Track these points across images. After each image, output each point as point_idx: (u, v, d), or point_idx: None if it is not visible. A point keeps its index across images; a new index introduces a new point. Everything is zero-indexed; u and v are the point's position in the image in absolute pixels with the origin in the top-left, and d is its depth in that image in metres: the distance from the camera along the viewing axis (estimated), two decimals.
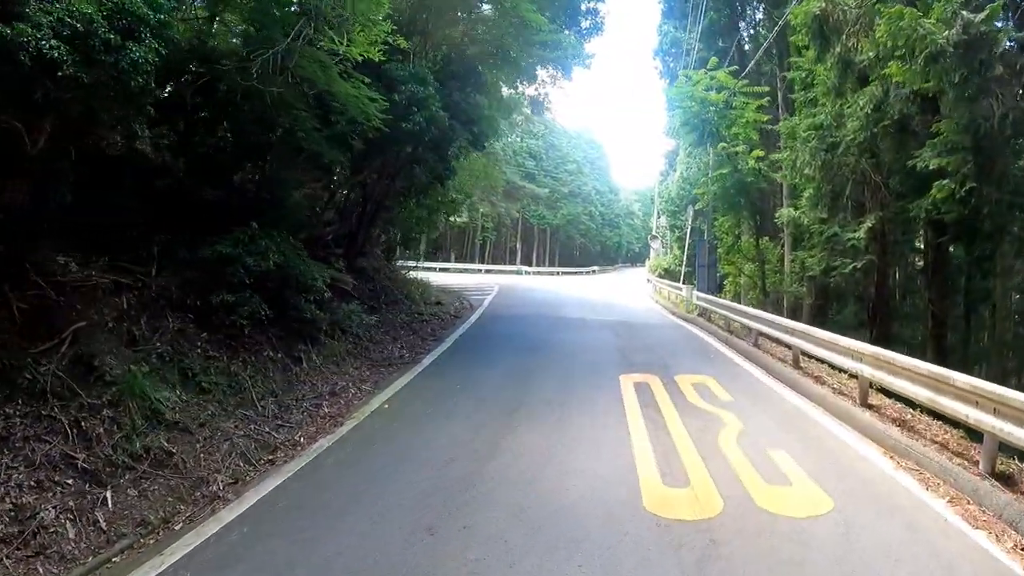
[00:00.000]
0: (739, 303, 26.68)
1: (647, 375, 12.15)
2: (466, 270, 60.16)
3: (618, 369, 12.76)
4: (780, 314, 22.69)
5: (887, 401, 10.17)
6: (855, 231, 14.28)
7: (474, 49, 18.34)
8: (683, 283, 29.80)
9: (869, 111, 13.02)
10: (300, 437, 8.42)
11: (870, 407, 9.84)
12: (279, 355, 10.79)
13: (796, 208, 17.56)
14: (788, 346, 13.34)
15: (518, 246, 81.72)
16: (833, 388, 11.17)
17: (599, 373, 12.47)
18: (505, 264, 73.50)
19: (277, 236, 10.91)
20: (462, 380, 11.74)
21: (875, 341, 16.92)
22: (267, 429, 8.51)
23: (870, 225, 14.12)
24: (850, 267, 14.65)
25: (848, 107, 14.05)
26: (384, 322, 16.67)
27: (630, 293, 39.27)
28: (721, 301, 20.04)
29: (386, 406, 9.91)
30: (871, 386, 9.92)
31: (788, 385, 11.72)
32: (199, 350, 9.11)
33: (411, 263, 47.34)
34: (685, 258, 33.19)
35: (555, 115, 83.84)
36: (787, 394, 11.12)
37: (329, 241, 17.12)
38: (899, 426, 8.90)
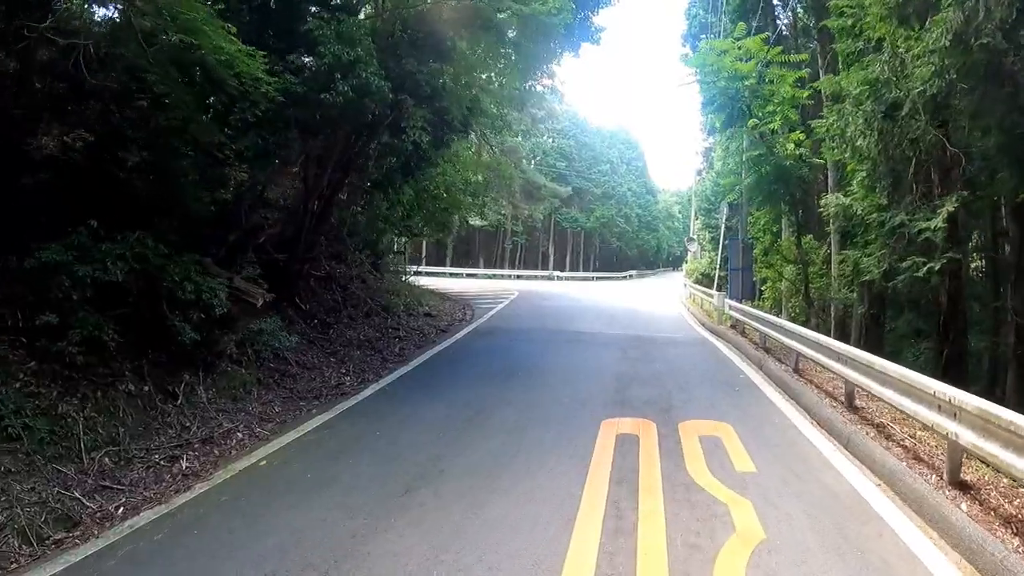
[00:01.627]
0: (779, 312, 23.09)
1: (640, 420, 8.87)
2: (495, 276, 57.96)
3: (605, 409, 9.49)
4: (827, 324, 19.16)
5: (989, 476, 6.70)
6: (929, 219, 10.53)
7: (447, 14, 15.07)
8: (716, 289, 26.18)
9: (946, 44, 9.31)
10: (119, 507, 6.08)
11: (964, 487, 6.42)
12: (145, 388, 8.28)
13: (847, 194, 13.83)
14: (839, 375, 9.82)
15: (551, 250, 78.59)
16: (906, 447, 7.70)
17: (576, 416, 9.22)
18: (537, 269, 70.47)
19: (144, 239, 8.21)
20: (391, 422, 8.99)
21: (948, 363, 13.41)
22: (79, 493, 6.18)
23: (950, 210, 10.37)
24: (924, 268, 10.85)
25: (915, 45, 10.36)
26: (335, 340, 14.06)
27: (661, 300, 35.97)
28: (756, 312, 16.49)
29: (263, 463, 7.30)
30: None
31: (840, 442, 8.17)
32: (18, 384, 6.82)
33: (414, 268, 44.88)
34: (719, 261, 29.42)
35: (579, 107, 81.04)
36: (838, 460, 7.54)
37: (265, 245, 13.97)
38: None
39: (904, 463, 7.06)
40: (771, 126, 17.53)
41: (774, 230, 21.98)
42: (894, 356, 21.04)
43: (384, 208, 19.92)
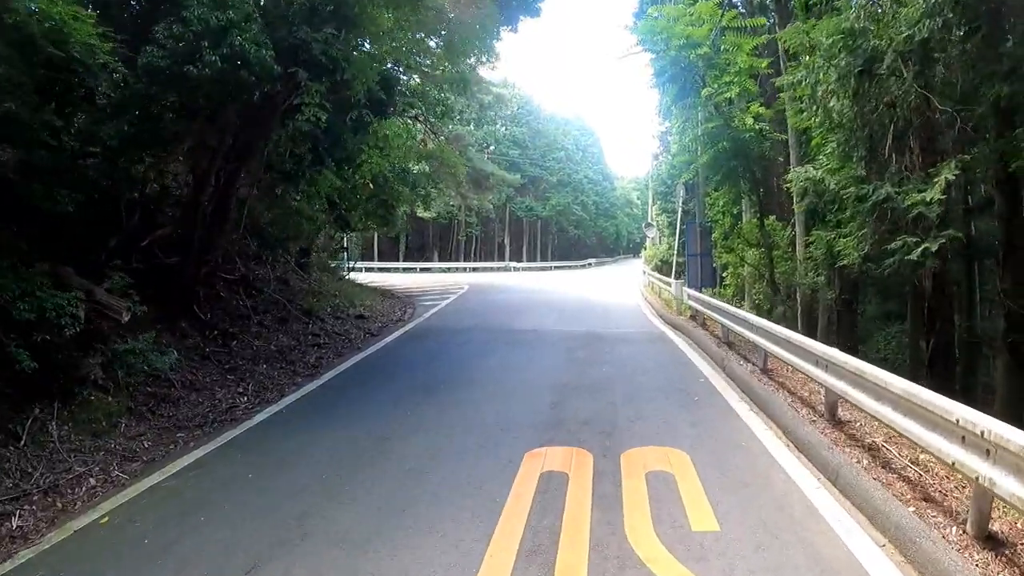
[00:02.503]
0: (742, 300, 21.46)
1: (574, 451, 7.12)
2: (449, 269, 56.45)
3: (534, 434, 7.74)
4: (795, 311, 17.50)
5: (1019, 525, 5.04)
6: (921, 191, 8.74)
7: None
8: (674, 277, 24.52)
9: None
10: None
11: (994, 543, 4.81)
12: None
13: (817, 166, 12.05)
14: (819, 382, 8.15)
15: (506, 241, 76.68)
16: (910, 480, 6.02)
17: (496, 446, 7.40)
18: (494, 261, 68.70)
19: None
20: (273, 459, 7.32)
21: (935, 354, 11.79)
22: None
23: (949, 178, 8.58)
24: (919, 250, 9.01)
25: None
26: (238, 354, 12.20)
27: (618, 289, 34.28)
28: (716, 303, 14.79)
29: (104, 520, 5.80)
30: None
31: (827, 476, 6.40)
32: None
33: (364, 265, 42.98)
34: (677, 246, 27.72)
35: (532, 94, 79.36)
36: (827, 506, 5.75)
37: (152, 248, 11.99)
38: None
39: (912, 509, 5.31)
40: (727, 95, 15.76)
41: (734, 212, 20.25)
42: (863, 341, 19.73)
43: (300, 201, 17.92)
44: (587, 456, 6.81)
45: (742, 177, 17.06)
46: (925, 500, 5.55)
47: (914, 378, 6.72)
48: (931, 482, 5.90)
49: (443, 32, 16.37)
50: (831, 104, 10.38)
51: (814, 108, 11.31)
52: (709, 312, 15.26)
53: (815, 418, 8.01)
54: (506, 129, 73.88)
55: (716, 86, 16.22)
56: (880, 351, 21.60)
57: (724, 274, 22.19)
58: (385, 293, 27.13)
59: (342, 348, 14.41)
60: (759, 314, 16.38)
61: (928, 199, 8.63)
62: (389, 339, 15.76)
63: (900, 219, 9.71)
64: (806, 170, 11.60)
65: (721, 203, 19.80)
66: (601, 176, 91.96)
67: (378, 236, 61.39)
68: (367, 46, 13.50)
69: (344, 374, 11.90)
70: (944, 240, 8.95)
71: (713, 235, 20.11)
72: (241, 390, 10.38)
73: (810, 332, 17.12)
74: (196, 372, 10.77)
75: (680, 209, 26.86)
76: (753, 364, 11.22)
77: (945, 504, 5.43)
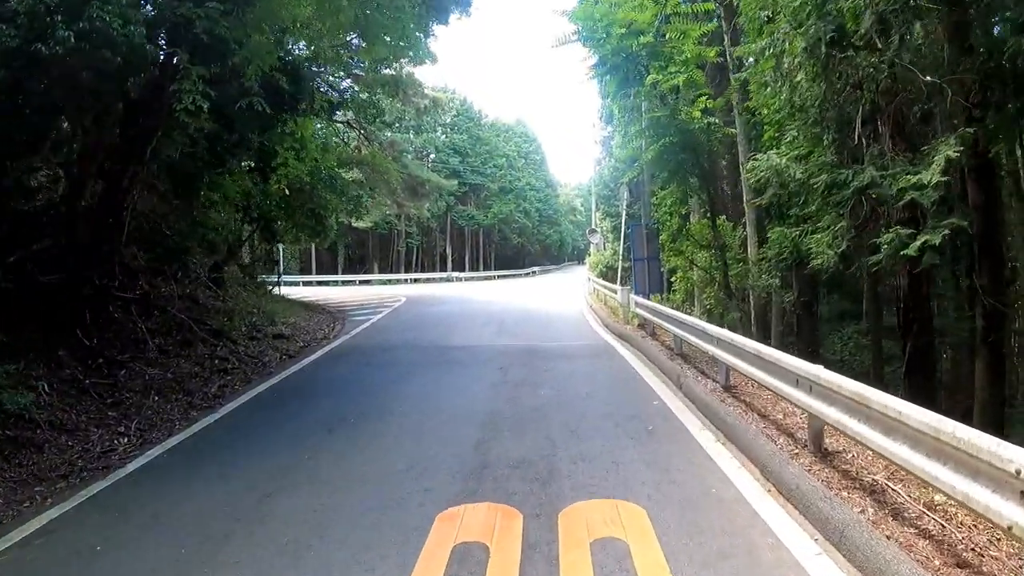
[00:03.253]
0: (692, 307, 20.18)
1: (498, 509, 5.52)
2: (390, 281, 55.04)
3: (451, 484, 6.20)
4: (748, 318, 16.23)
5: None
6: (915, 173, 7.30)
7: None
8: (620, 284, 23.13)
9: None
10: None
11: None
12: None
13: (781, 153, 10.61)
14: (800, 406, 6.76)
15: (448, 251, 75.02)
16: (932, 535, 4.63)
17: (400, 503, 5.81)
18: (436, 271, 66.95)
19: None
20: (133, 524, 5.71)
21: (912, 360, 10.56)
22: None
23: (951, 156, 7.14)
24: (916, 244, 7.45)
25: None
26: (125, 385, 10.48)
27: (562, 298, 33.00)
28: (667, 311, 13.41)
29: None
30: None
31: (830, 539, 4.88)
32: None
33: (287, 279, 41.00)
34: (622, 251, 26.33)
35: (473, 100, 77.89)
36: None
37: (25, 264, 10.21)
38: None
39: None
40: (674, 81, 14.34)
41: (682, 212, 18.84)
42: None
43: (207, 209, 16.11)
44: (515, 517, 5.23)
45: (691, 173, 15.67)
46: (959, 566, 4.13)
47: (882, 384, 5.37)
48: (958, 537, 4.54)
49: (365, 24, 14.72)
50: (797, 79, 9.02)
51: (778, 85, 9.90)
52: (659, 321, 13.89)
53: (797, 449, 6.58)
54: (446, 136, 72.36)
55: (661, 76, 14.81)
56: (836, 352, 20.52)
57: (672, 279, 20.82)
58: (315, 308, 25.56)
59: (252, 374, 12.71)
60: (710, 320, 15.05)
61: (927, 181, 7.20)
62: (307, 361, 14.13)
63: (883, 209, 8.35)
64: (768, 158, 10.17)
65: (668, 203, 18.35)
66: (544, 183, 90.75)
67: (315, 248, 59.39)
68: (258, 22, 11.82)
69: (246, 406, 10.24)
70: (947, 231, 7.52)
71: (660, 237, 18.73)
72: (123, 429, 8.73)
73: (764, 337, 15.87)
74: (70, 409, 9.08)
75: (624, 212, 25.52)
76: (713, 380, 9.83)
77: (984, 570, 4.10)
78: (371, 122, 30.74)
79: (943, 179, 7.37)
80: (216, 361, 13.21)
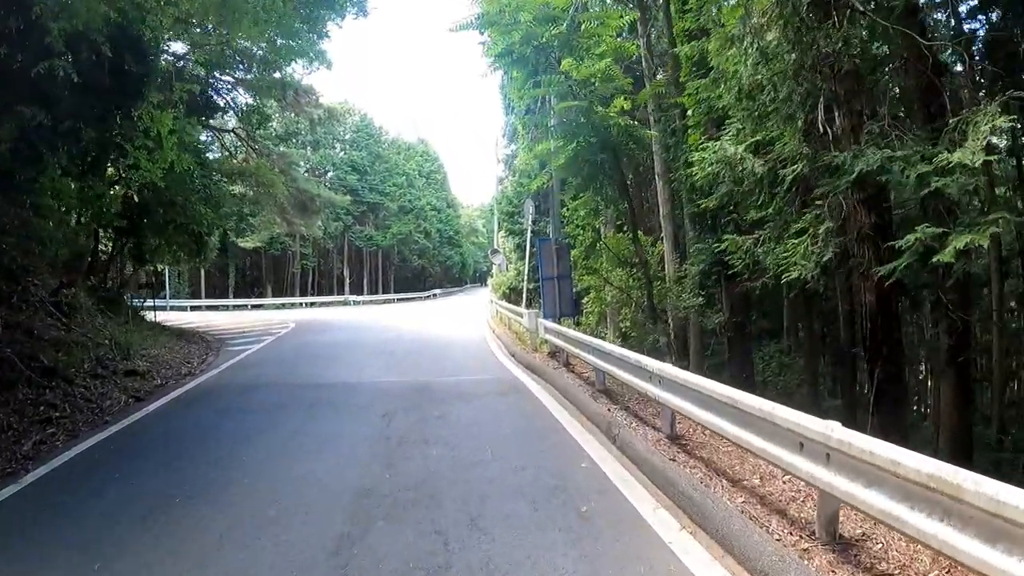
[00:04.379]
0: (607, 329, 18.24)
1: None
2: (285, 305, 51.95)
3: None
4: (667, 340, 14.38)
5: None
6: (947, 150, 5.25)
7: None
8: (526, 306, 21.00)
9: None
10: None
11: None
12: None
13: (734, 141, 8.55)
14: (808, 481, 4.71)
15: (346, 273, 71.92)
16: None
17: None
18: (334, 294, 63.82)
19: None
20: None
21: (881, 389, 8.76)
22: None
23: (1000, 125, 5.11)
24: (955, 245, 5.38)
25: None
26: None
27: (463, 322, 30.68)
28: (586, 338, 11.26)
29: None
30: None
31: None
32: None
33: (189, 304, 38.14)
34: (526, 271, 24.19)
35: (372, 116, 75.57)
36: None
37: None
38: None
39: None
40: (591, 71, 12.22)
41: (596, 225, 16.79)
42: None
43: (37, 218, 13.22)
44: None
45: (608, 179, 13.59)
46: None
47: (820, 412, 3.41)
48: None
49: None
50: (769, 37, 7.02)
51: (746, 43, 7.81)
52: (575, 350, 11.74)
53: (802, 539, 4.47)
54: (345, 153, 69.58)
55: (575, 65, 12.73)
56: (759, 373, 18.79)
57: (584, 300, 18.71)
58: (191, 337, 22.51)
59: (83, 424, 10.04)
60: (625, 344, 13.15)
61: (971, 161, 5.16)
62: (156, 406, 11.39)
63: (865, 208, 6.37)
64: (718, 147, 8.13)
65: (581, 214, 16.23)
66: (445, 203, 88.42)
67: (203, 271, 55.74)
68: None
69: (57, 473, 7.65)
70: (995, 229, 5.53)
71: (572, 253, 16.63)
72: None
73: (682, 362, 14.06)
74: None
75: (529, 228, 23.39)
76: (653, 427, 7.72)
77: None
78: (256, 128, 28.13)
79: (987, 158, 5.38)
80: (41, 408, 10.40)
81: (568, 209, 16.30)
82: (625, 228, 15.79)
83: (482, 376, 13.39)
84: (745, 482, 5.86)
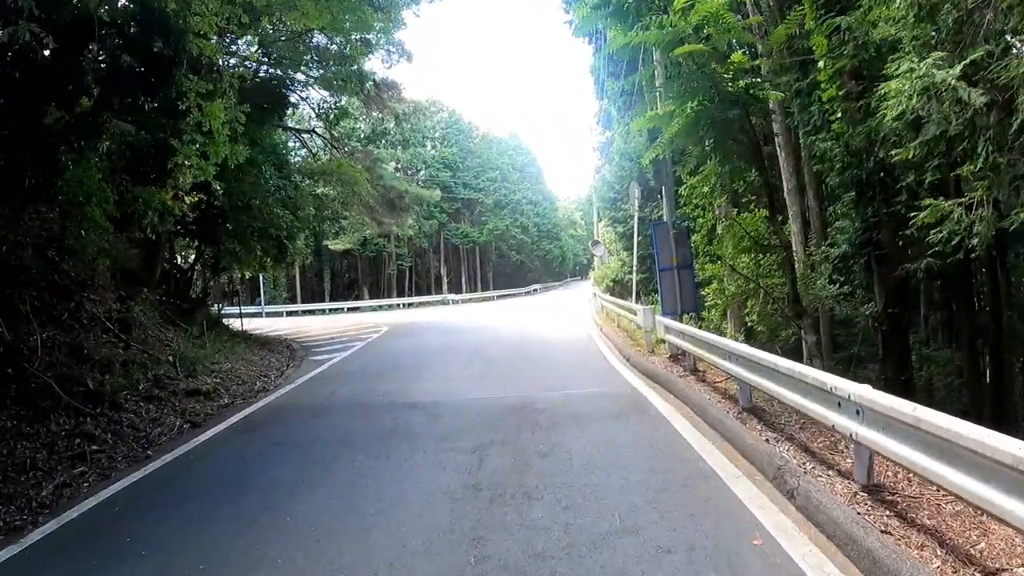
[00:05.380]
0: (726, 324, 15.86)
1: None
2: (380, 307, 51.04)
3: None
4: (815, 340, 12.02)
5: None
6: None
7: None
8: (635, 299, 18.75)
9: None
10: None
11: None
12: None
13: (942, 64, 6.15)
14: None
15: (443, 272, 70.79)
16: None
17: None
18: (431, 294, 62.71)
19: None
20: None
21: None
22: None
23: None
24: None
25: None
26: None
27: (566, 319, 28.43)
28: (725, 343, 8.86)
29: None
30: None
31: None
32: None
33: (285, 309, 37.69)
34: (634, 261, 21.81)
35: (462, 112, 74.59)
36: None
37: None
38: None
39: None
40: (711, 5, 9.71)
41: (718, 204, 14.24)
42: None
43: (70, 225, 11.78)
44: None
45: (736, 142, 11.07)
46: None
47: None
48: None
49: None
50: None
51: None
52: (710, 357, 9.45)
53: None
54: (435, 150, 68.34)
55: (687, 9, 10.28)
56: (921, 379, 15.72)
57: (704, 291, 16.15)
58: (275, 346, 21.37)
59: (121, 459, 8.60)
60: (751, 343, 10.87)
61: None
62: (209, 434, 9.83)
63: None
64: (923, 69, 5.73)
65: (704, 191, 13.59)
66: (541, 196, 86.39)
67: (300, 275, 55.59)
68: None
69: (67, 530, 6.22)
70: None
71: (693, 238, 14.20)
72: None
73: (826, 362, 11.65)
74: None
75: (636, 213, 21.08)
76: (837, 470, 5.51)
77: None
78: (334, 124, 26.77)
79: None
80: (76, 441, 8.96)
81: (685, 187, 13.83)
82: (752, 206, 13.30)
83: (594, 388, 11.20)
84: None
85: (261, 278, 48.02)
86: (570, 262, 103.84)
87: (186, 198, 17.28)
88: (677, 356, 12.62)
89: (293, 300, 55.05)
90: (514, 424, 8.73)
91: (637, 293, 21.61)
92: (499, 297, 63.95)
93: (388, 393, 11.99)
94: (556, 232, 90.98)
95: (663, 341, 13.52)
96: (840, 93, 10.94)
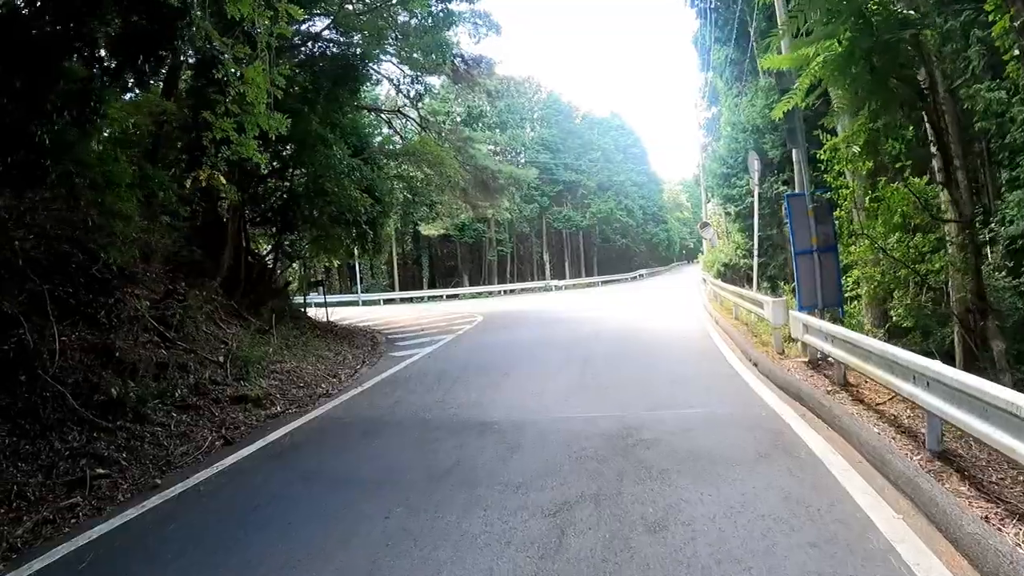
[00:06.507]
0: (863, 316, 13.14)
1: None
2: (480, 295, 50.07)
3: None
4: (1003, 348, 9.23)
5: None
6: None
7: None
8: (756, 288, 16.14)
9: None
10: None
11: None
12: None
13: None
14: None
15: (545, 257, 68.70)
16: None
17: None
18: (533, 280, 60.90)
19: None
20: None
21: None
22: None
23: None
24: None
25: None
26: None
27: (675, 307, 26.00)
28: (927, 366, 6.01)
29: None
30: None
31: None
32: None
33: (382, 298, 37.13)
34: (756, 243, 19.02)
35: (560, 93, 72.76)
36: None
37: None
38: None
39: None
40: None
41: (868, 167, 11.25)
42: None
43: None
44: None
45: (903, 82, 8.35)
46: None
47: None
48: None
49: None
50: None
51: None
52: (886, 378, 6.79)
53: None
54: (534, 132, 66.24)
55: None
56: None
57: (844, 279, 13.12)
58: (357, 338, 19.90)
59: (127, 486, 7.16)
60: (895, 342, 8.35)
61: None
62: (239, 455, 8.19)
63: None
64: None
65: (856, 149, 10.54)
66: (646, 178, 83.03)
67: (396, 262, 54.71)
68: None
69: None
70: None
71: (837, 214, 11.38)
72: None
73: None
74: None
75: (756, 189, 18.34)
76: None
77: None
78: (417, 101, 25.08)
79: None
80: (81, 462, 7.55)
81: (824, 151, 11.03)
82: (908, 172, 10.47)
83: (719, 408, 8.70)
84: None
85: (358, 266, 47.24)
86: (676, 246, 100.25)
87: (260, 185, 16.09)
88: (818, 362, 10.12)
89: (392, 288, 54.14)
90: (614, 467, 6.43)
91: (756, 280, 18.92)
92: (603, 283, 61.57)
93: (460, 407, 9.91)
94: (662, 215, 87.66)
95: (793, 339, 11.05)
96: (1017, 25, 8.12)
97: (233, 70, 10.15)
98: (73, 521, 6.19)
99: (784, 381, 9.55)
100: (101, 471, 7.40)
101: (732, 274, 27.80)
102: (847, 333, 8.17)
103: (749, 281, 23.26)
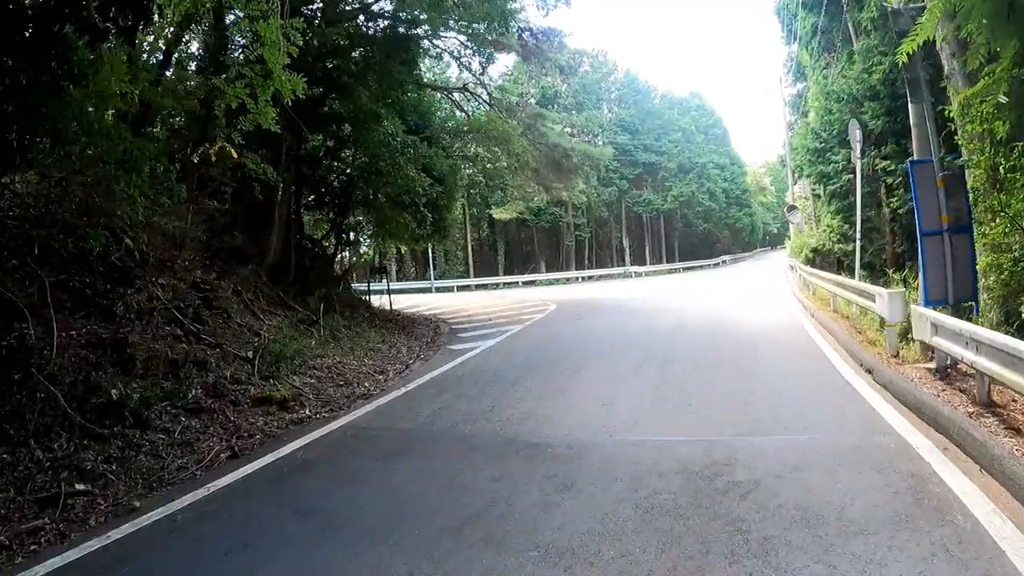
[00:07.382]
0: (1004, 321, 10.95)
1: None
2: (558, 281, 48.78)
3: None
4: None
5: None
6: None
7: None
8: (858, 277, 14.19)
9: None
10: None
11: None
12: None
13: None
14: None
15: (625, 242, 66.67)
16: None
17: None
18: (612, 266, 59.14)
19: None
20: None
21: None
22: None
23: None
24: None
25: None
26: None
27: (762, 297, 24.35)
28: None
29: None
30: None
31: None
32: None
33: (456, 284, 36.66)
34: (858, 223, 16.81)
35: (638, 72, 70.72)
36: None
37: None
38: None
39: None
40: None
41: (1004, 130, 9.12)
42: None
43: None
44: None
45: None
46: None
47: None
48: None
49: None
50: None
51: None
52: None
53: None
54: (612, 113, 64.22)
55: None
56: None
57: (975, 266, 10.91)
58: (417, 329, 18.82)
59: (102, 506, 6.13)
60: None
61: None
62: (242, 472, 7.01)
63: None
64: None
65: (1001, 100, 8.49)
66: (728, 160, 79.82)
67: (471, 248, 53.81)
68: None
69: None
70: None
71: (970, 185, 9.35)
72: None
73: None
74: None
75: (858, 162, 16.21)
76: None
77: None
78: (480, 74, 23.80)
79: None
80: (62, 475, 6.56)
81: (957, 107, 8.94)
82: None
83: (833, 435, 6.72)
84: None
85: (431, 251, 46.40)
86: (760, 231, 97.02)
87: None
88: (947, 370, 8.23)
89: (467, 274, 53.10)
90: (696, 529, 4.64)
91: (857, 267, 16.84)
92: (684, 269, 59.55)
93: (510, 420, 8.32)
94: (746, 199, 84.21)
95: (910, 339, 9.19)
96: None
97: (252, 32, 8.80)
98: (33, 548, 5.21)
99: (907, 394, 7.62)
100: (80, 487, 6.39)
101: (821, 260, 25.65)
102: (1001, 339, 6.27)
103: (840, 267, 21.41)
